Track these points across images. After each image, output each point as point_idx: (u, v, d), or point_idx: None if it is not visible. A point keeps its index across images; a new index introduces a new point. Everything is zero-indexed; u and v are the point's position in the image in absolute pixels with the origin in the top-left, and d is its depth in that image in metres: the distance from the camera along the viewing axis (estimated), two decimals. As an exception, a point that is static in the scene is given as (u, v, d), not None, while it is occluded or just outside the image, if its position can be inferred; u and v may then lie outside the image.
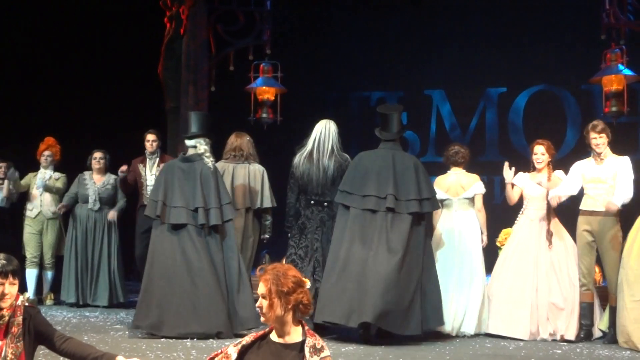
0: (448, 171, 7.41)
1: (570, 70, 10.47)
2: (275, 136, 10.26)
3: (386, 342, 6.51)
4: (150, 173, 8.67)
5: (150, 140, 8.71)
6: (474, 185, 7.25)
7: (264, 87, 10.22)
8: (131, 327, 6.90)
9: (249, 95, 10.32)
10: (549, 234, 7.07)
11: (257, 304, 3.50)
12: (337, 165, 6.89)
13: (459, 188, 7.27)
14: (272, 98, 10.27)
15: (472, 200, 7.25)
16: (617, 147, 7.23)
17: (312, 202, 6.95)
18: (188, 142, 7.01)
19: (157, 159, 8.76)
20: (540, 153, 7.24)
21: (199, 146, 6.94)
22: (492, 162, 10.46)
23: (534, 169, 7.32)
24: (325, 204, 6.94)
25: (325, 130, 7.03)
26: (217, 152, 7.52)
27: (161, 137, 8.97)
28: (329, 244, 6.66)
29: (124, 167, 8.64)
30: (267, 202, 7.53)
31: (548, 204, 7.12)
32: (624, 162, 6.97)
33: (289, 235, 7.12)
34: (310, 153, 6.97)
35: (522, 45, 10.85)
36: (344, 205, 6.60)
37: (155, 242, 6.80)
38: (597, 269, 7.70)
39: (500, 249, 7.45)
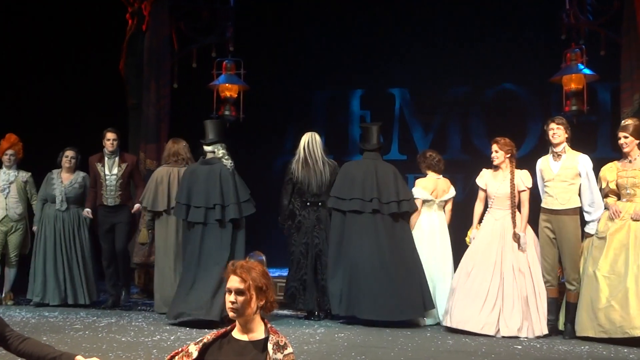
0: (428, 175, 8.04)
1: (532, 70, 10.52)
2: (238, 134, 10.21)
3: (346, 337, 6.52)
4: (109, 172, 8.58)
5: (111, 139, 8.62)
6: (451, 189, 8.05)
7: (227, 85, 10.17)
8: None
9: (211, 93, 10.26)
10: (516, 237, 7.08)
11: (230, 300, 3.49)
12: (331, 169, 7.78)
13: (440, 191, 7.98)
14: (235, 95, 10.22)
15: (446, 202, 8.01)
16: (576, 145, 7.30)
17: (308, 203, 7.76)
18: (207, 148, 7.74)
19: (117, 158, 8.67)
20: (494, 150, 7.29)
21: (217, 151, 7.71)
22: (454, 160, 10.52)
23: (495, 167, 7.36)
24: (320, 204, 7.77)
25: (312, 140, 7.82)
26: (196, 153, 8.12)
27: (121, 135, 8.87)
28: (316, 241, 7.69)
29: (88, 214, 8.63)
30: None
31: (512, 202, 7.14)
32: (584, 161, 7.03)
33: (287, 233, 7.87)
34: (305, 160, 7.76)
35: (485, 45, 10.89)
36: (335, 208, 7.57)
37: (185, 237, 7.69)
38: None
39: (468, 245, 7.51)
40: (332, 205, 7.64)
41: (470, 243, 7.41)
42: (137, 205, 8.59)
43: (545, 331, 6.96)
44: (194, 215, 7.56)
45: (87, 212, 8.67)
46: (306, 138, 7.89)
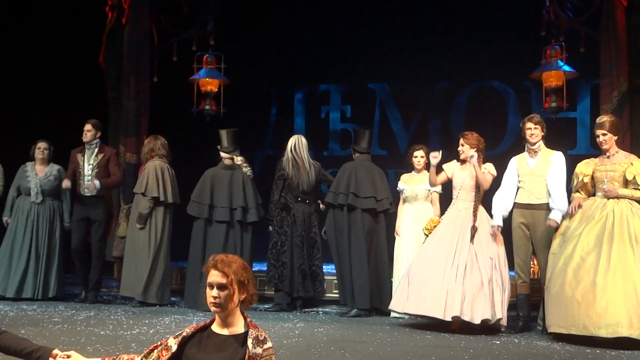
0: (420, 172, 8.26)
1: (512, 66, 10.55)
2: (218, 128, 10.15)
3: (325, 331, 6.56)
4: (87, 163, 8.57)
5: (85, 130, 8.62)
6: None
7: (207, 79, 10.13)
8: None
9: (191, 87, 10.22)
10: (473, 229, 7.05)
11: (213, 294, 3.48)
12: (316, 171, 8.36)
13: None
14: (216, 90, 10.18)
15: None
16: (555, 142, 7.36)
17: (299, 199, 8.30)
18: (225, 155, 8.43)
19: (96, 149, 8.66)
20: (460, 144, 7.33)
21: (236, 158, 8.47)
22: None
23: (462, 162, 7.37)
24: (307, 201, 8.34)
25: (298, 143, 8.31)
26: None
27: (100, 127, 8.82)
28: (311, 234, 8.30)
29: (67, 183, 8.57)
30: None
31: (476, 195, 7.16)
32: (557, 158, 7.07)
33: (278, 225, 8.29)
34: (295, 160, 8.25)
35: (465, 41, 10.90)
36: (332, 204, 8.14)
37: (199, 236, 8.26)
38: (534, 262, 7.83)
39: (427, 236, 7.51)
40: (330, 200, 8.18)
41: (428, 233, 7.46)
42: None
43: (519, 325, 6.96)
44: (219, 215, 8.24)
45: (66, 181, 8.60)
46: (292, 141, 8.33)
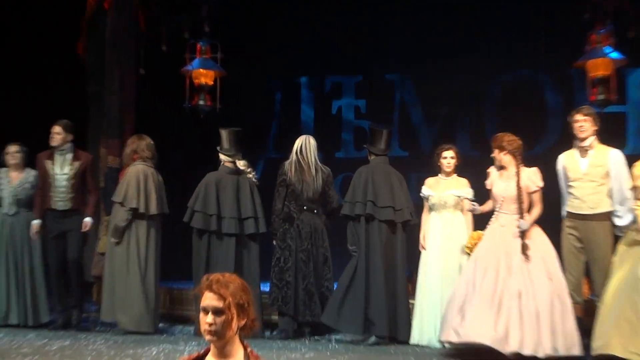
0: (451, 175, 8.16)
1: (552, 54, 10.44)
2: (214, 126, 10.00)
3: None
4: (60, 171, 8.39)
5: (53, 132, 8.48)
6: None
7: (202, 70, 10.15)
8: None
9: (183, 79, 10.25)
10: (525, 248, 6.82)
11: (207, 320, 3.42)
12: (324, 176, 8.30)
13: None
14: (211, 83, 10.21)
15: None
16: (603, 140, 7.17)
17: (305, 207, 8.23)
18: (225, 158, 8.34)
19: (69, 156, 8.48)
20: (496, 150, 7.14)
21: (238, 162, 8.38)
22: (463, 156, 10.32)
23: (500, 167, 7.19)
24: (315, 211, 8.28)
25: (306, 143, 8.29)
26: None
27: (72, 129, 8.59)
28: (321, 249, 8.20)
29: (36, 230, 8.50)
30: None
31: (519, 206, 6.91)
32: (616, 157, 6.85)
33: (281, 238, 8.25)
34: (299, 163, 8.23)
35: (499, 24, 10.81)
36: (349, 215, 8.04)
37: (202, 253, 8.16)
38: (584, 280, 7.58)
39: (469, 255, 7.36)
40: (346, 211, 8.05)
41: (470, 252, 7.35)
42: (87, 221, 8.43)
43: (576, 351, 6.66)
44: (229, 227, 8.13)
45: (35, 226, 8.46)
46: (299, 142, 8.31)
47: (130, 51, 10.08)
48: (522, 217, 6.90)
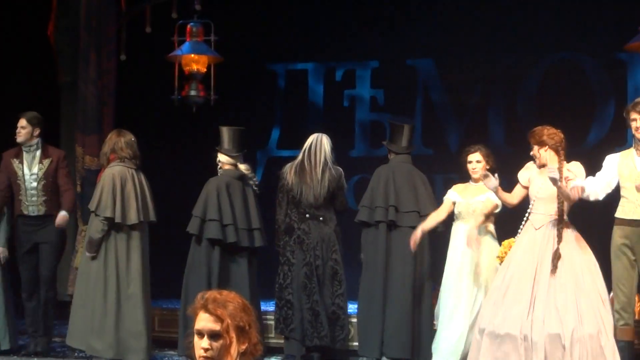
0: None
1: (600, 34, 10.48)
2: (208, 120, 10.12)
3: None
4: (29, 172, 8.48)
5: (18, 127, 8.56)
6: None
7: (193, 55, 10.07)
8: None
9: (172, 66, 10.20)
10: (556, 257, 6.95)
11: (203, 345, 3.45)
12: (331, 178, 8.30)
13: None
14: (204, 70, 10.15)
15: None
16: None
17: (307, 215, 8.27)
18: (227, 159, 8.55)
19: (38, 153, 8.57)
20: (535, 146, 7.23)
21: (240, 165, 8.60)
22: (496, 154, 10.40)
23: (539, 164, 7.28)
24: (321, 218, 8.31)
25: (317, 142, 8.37)
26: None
27: (40, 123, 8.70)
28: (330, 262, 8.24)
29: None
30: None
31: (561, 207, 7.04)
32: None
33: (281, 252, 8.39)
34: (302, 165, 8.31)
35: (536, 1, 10.82)
36: (367, 222, 8.22)
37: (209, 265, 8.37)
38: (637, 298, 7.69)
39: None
40: (363, 218, 8.26)
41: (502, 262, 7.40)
42: (62, 214, 8.47)
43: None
44: (243, 239, 8.42)
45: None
46: (310, 140, 8.43)
47: (109, 33, 10.03)
48: (561, 221, 7.01)
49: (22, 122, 8.56)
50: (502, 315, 6.93)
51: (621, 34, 9.50)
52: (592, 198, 7.03)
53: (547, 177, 6.91)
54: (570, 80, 11.12)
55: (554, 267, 6.91)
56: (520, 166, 7.48)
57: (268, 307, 9.23)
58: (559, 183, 6.87)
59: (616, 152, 7.26)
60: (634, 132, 7.04)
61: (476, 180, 8.04)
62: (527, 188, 7.30)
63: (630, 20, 9.40)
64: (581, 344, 6.75)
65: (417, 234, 7.78)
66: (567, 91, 10.96)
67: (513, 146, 10.60)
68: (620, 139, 7.31)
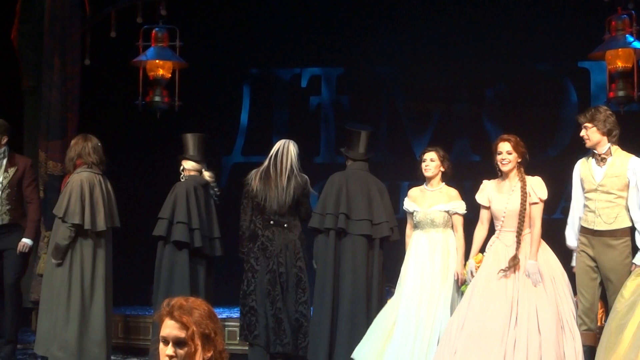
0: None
1: (564, 42, 10.56)
2: (172, 126, 10.13)
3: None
4: None
5: None
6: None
7: (157, 61, 10.10)
8: None
9: (136, 72, 10.17)
10: (513, 261, 6.99)
11: (168, 352, 3.45)
12: (297, 185, 8.25)
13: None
14: (168, 75, 10.16)
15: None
16: (624, 144, 7.28)
17: (272, 222, 8.25)
18: (192, 165, 8.56)
19: (5, 161, 8.53)
20: (506, 152, 7.21)
21: (204, 172, 8.63)
22: (462, 163, 10.51)
23: (500, 173, 7.32)
24: (286, 225, 8.26)
25: (283, 148, 8.34)
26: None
27: (7, 130, 8.65)
28: (294, 269, 8.22)
29: None
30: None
31: (520, 219, 7.08)
32: (635, 166, 6.99)
33: (245, 259, 8.32)
34: (267, 171, 8.26)
35: (503, 10, 10.91)
36: (318, 228, 8.20)
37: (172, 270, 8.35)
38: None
39: (467, 283, 7.48)
40: (330, 225, 8.16)
41: (468, 280, 7.40)
42: (25, 242, 8.49)
43: None
44: (205, 246, 8.43)
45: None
46: (276, 147, 8.40)
47: (74, 38, 9.95)
48: (520, 235, 7.05)
49: None
50: (474, 334, 6.95)
51: (586, 43, 9.56)
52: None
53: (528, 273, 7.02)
54: (534, 89, 11.24)
55: (509, 268, 6.97)
56: (485, 173, 7.49)
57: (232, 313, 9.25)
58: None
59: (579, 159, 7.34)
60: (586, 140, 7.11)
61: (429, 181, 7.93)
62: (488, 208, 7.35)
63: (593, 29, 9.50)
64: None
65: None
66: (530, 99, 11.08)
67: (478, 153, 10.69)
68: (583, 147, 7.34)
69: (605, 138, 7.07)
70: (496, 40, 11.07)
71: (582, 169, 7.18)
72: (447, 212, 7.81)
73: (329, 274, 8.04)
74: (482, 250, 7.44)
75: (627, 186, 7.00)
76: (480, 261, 7.40)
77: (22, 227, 8.55)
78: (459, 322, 7.08)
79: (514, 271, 7.00)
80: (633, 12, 9.17)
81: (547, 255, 7.16)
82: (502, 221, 7.21)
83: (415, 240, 7.89)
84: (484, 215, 7.39)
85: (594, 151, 7.11)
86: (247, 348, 8.37)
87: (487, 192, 7.35)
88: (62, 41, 9.95)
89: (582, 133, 7.10)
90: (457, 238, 7.80)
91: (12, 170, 8.50)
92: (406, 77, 11.79)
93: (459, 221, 7.83)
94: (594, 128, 7.05)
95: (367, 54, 11.69)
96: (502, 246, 7.18)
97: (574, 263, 7.23)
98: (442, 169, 7.86)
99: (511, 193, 7.18)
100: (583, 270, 7.10)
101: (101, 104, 10.43)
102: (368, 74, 11.90)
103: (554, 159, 10.17)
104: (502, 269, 6.99)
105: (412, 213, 7.90)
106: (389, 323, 7.67)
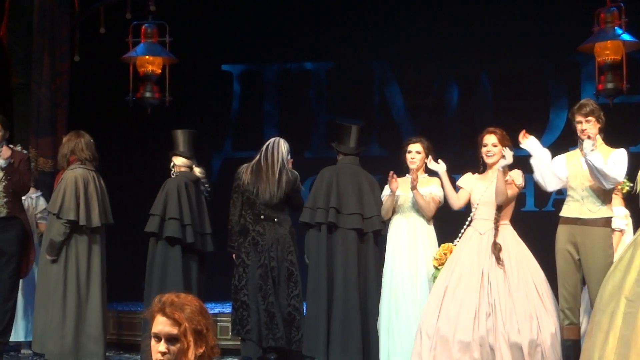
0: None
1: (554, 35, 10.60)
2: (163, 122, 10.13)
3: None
4: None
5: None
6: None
7: (147, 57, 10.08)
8: None
9: (126, 68, 10.17)
10: (496, 247, 7.07)
11: (160, 349, 3.43)
12: (288, 180, 8.27)
13: None
14: (159, 71, 10.15)
15: None
16: (613, 135, 7.30)
17: (262, 217, 8.25)
18: (183, 161, 8.52)
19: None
20: (491, 144, 7.29)
21: (195, 168, 8.61)
22: (452, 154, 10.52)
23: (484, 167, 7.39)
24: (276, 219, 8.28)
25: (274, 144, 8.35)
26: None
27: (7, 126, 8.66)
28: (285, 263, 8.24)
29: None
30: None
31: (499, 207, 7.17)
32: (617, 157, 7.02)
33: (236, 254, 8.31)
34: (258, 165, 8.28)
35: (491, 3, 10.96)
36: (309, 223, 8.18)
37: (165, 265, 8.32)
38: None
39: (438, 269, 7.47)
40: (321, 219, 8.13)
41: (440, 266, 7.45)
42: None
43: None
44: (197, 242, 8.41)
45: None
46: (267, 143, 8.40)
47: (63, 35, 10.00)
48: (497, 223, 7.14)
49: None
50: (451, 320, 7.01)
51: (575, 37, 9.59)
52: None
53: (500, 165, 7.11)
54: (525, 82, 11.24)
55: (497, 258, 7.04)
56: (477, 167, 7.56)
57: (224, 308, 9.27)
58: (504, 170, 7.10)
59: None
60: (579, 134, 7.12)
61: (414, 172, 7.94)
62: (467, 195, 7.41)
63: (582, 22, 9.53)
64: (541, 348, 6.91)
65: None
66: (521, 93, 11.07)
67: (469, 147, 10.71)
68: (573, 140, 7.37)
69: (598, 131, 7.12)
70: (487, 34, 11.10)
71: (569, 159, 7.19)
72: (429, 194, 7.81)
73: (321, 269, 8.04)
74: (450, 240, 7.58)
75: None
76: (450, 250, 7.46)
77: (19, 220, 8.54)
78: (435, 311, 7.13)
79: (498, 257, 7.07)
80: (622, 4, 9.17)
81: (521, 245, 7.24)
82: (476, 208, 7.29)
83: (395, 226, 7.95)
84: (463, 195, 7.45)
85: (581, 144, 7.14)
86: (239, 343, 8.42)
87: (471, 180, 7.44)
88: (51, 38, 10.00)
89: (584, 127, 7.08)
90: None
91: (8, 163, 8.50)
92: (397, 71, 11.82)
93: (435, 203, 7.85)
94: (593, 121, 7.08)
95: (357, 49, 11.68)
96: (476, 234, 7.24)
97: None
98: (426, 161, 7.86)
99: (490, 183, 7.25)
100: (566, 262, 7.08)
101: (91, 100, 10.45)
102: (359, 69, 11.89)
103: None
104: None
105: (390, 196, 7.90)
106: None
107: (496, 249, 7.08)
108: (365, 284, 8.09)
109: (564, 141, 7.59)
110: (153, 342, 3.47)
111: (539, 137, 10.60)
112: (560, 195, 7.52)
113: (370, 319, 7.98)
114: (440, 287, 7.22)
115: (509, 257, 7.14)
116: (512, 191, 7.26)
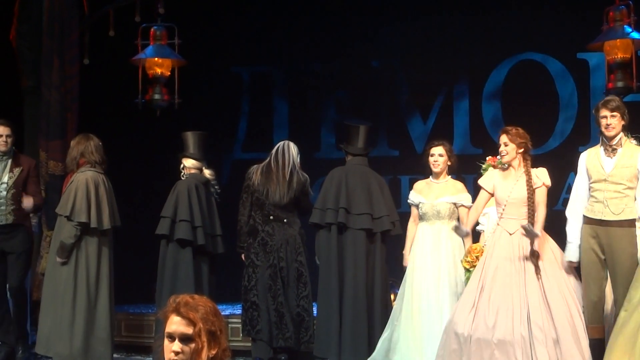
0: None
1: (563, 34, 10.57)
2: (172, 124, 10.14)
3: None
4: (0, 181, 8.45)
5: (4, 135, 8.47)
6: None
7: (156, 59, 10.07)
8: None
9: (135, 70, 10.14)
10: (534, 256, 7.08)
11: (174, 348, 3.45)
12: (298, 181, 8.37)
13: None
14: (168, 73, 10.13)
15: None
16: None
17: (272, 217, 8.33)
18: (193, 164, 8.57)
19: (10, 161, 8.55)
20: (503, 144, 7.31)
21: (205, 170, 8.64)
22: (462, 155, 10.49)
23: (502, 165, 7.42)
24: (285, 220, 8.37)
25: (284, 146, 8.45)
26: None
27: (16, 130, 8.71)
28: (294, 264, 8.31)
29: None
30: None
31: (530, 209, 7.15)
32: None
33: (245, 254, 8.42)
34: (269, 166, 8.39)
35: (502, 0, 10.91)
36: (319, 224, 8.26)
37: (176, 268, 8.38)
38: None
39: (470, 271, 7.47)
40: (331, 220, 8.20)
41: (471, 268, 7.49)
42: (28, 201, 8.48)
43: None
44: (208, 244, 8.44)
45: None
46: (277, 146, 8.52)
47: (72, 38, 9.96)
48: (532, 219, 7.12)
49: (8, 130, 8.50)
50: (489, 321, 7.02)
51: (584, 35, 9.58)
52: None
53: (522, 227, 7.09)
54: (534, 81, 11.22)
55: (537, 267, 7.07)
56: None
57: (235, 310, 9.28)
58: (535, 232, 7.07)
59: (579, 151, 7.35)
60: (603, 129, 7.06)
61: (437, 176, 8.08)
62: (492, 195, 7.41)
63: (592, 20, 9.50)
64: (577, 345, 6.94)
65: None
66: (531, 91, 11.04)
67: (478, 147, 10.70)
68: (583, 139, 7.37)
69: (622, 127, 7.11)
70: (496, 32, 11.07)
71: (589, 159, 7.17)
72: (454, 204, 7.96)
73: (332, 270, 8.09)
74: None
75: (636, 177, 7.00)
76: (480, 251, 7.45)
77: (26, 227, 8.56)
78: (469, 312, 7.13)
79: (537, 265, 7.09)
80: (631, 2, 9.13)
81: (555, 247, 7.28)
82: (504, 208, 7.28)
83: (420, 233, 8.01)
84: (481, 199, 7.46)
85: (605, 141, 7.12)
86: (250, 344, 8.43)
87: (494, 178, 7.42)
88: (61, 41, 9.96)
89: (609, 121, 7.05)
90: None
91: (17, 171, 8.52)
92: (405, 70, 11.78)
93: (465, 213, 7.93)
94: (618, 117, 7.06)
95: (366, 49, 11.67)
96: (505, 234, 7.24)
97: (569, 256, 7.20)
98: (449, 163, 8.03)
99: (516, 182, 7.25)
100: (590, 264, 7.08)
101: (101, 103, 10.43)
102: (367, 69, 11.87)
103: (554, 150, 10.16)
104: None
105: (417, 205, 8.03)
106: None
107: (534, 257, 7.08)
108: (372, 284, 8.16)
109: (575, 139, 7.56)
110: (166, 342, 3.50)
111: (548, 134, 10.69)
112: (570, 195, 7.47)
113: (376, 318, 8.05)
114: (473, 288, 7.24)
115: (542, 257, 7.15)
116: (542, 191, 7.26)
